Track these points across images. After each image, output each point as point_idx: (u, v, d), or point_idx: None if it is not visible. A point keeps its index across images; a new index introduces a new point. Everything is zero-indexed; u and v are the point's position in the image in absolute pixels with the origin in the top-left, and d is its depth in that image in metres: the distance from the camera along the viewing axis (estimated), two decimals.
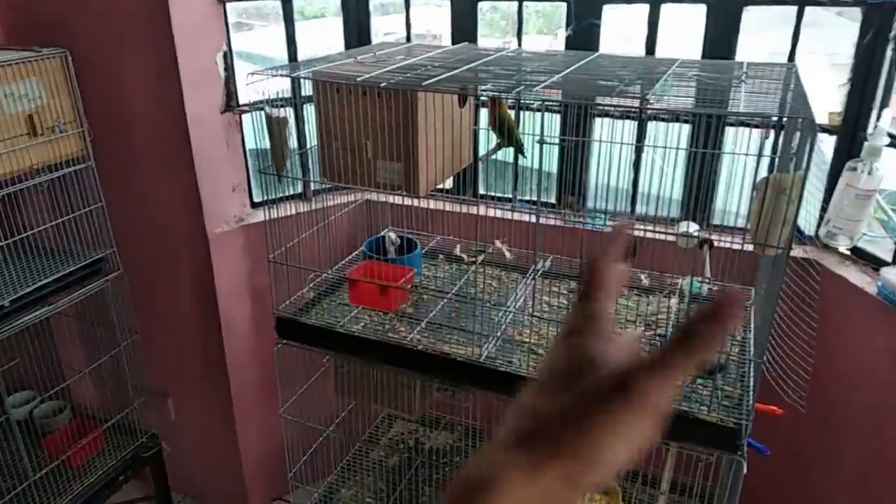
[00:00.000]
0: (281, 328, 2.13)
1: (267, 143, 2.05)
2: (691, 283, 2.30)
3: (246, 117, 2.70)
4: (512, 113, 2.36)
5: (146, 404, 2.75)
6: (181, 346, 2.89)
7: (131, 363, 2.67)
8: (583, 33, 2.53)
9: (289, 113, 2.04)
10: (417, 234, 2.63)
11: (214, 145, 2.59)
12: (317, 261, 2.29)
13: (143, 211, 2.67)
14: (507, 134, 2.31)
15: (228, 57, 2.58)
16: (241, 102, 2.65)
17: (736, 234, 2.47)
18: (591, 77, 1.82)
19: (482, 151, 2.82)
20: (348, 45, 2.88)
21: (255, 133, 2.08)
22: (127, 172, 2.60)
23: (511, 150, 2.37)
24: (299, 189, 2.82)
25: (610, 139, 2.56)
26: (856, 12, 2.24)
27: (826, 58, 2.78)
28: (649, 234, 2.49)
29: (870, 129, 2.28)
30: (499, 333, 2.06)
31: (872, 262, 2.27)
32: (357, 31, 2.87)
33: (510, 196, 2.88)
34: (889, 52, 2.19)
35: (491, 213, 2.78)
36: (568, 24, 2.55)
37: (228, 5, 2.54)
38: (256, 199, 2.84)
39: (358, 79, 1.81)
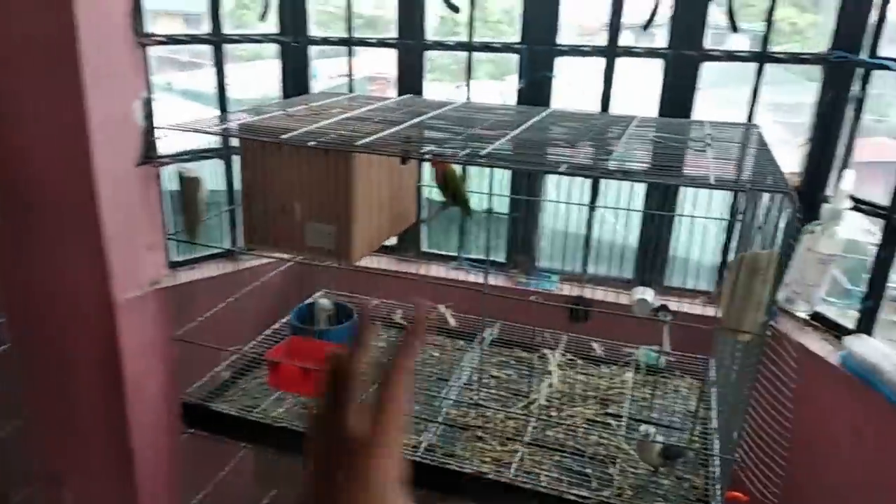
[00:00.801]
0: (189, 415, 1.85)
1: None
2: (647, 354, 2.12)
3: (165, 169, 2.44)
4: (458, 168, 2.17)
5: (37, 493, 2.39)
6: (80, 428, 2.54)
7: (19, 447, 2.32)
8: (535, 85, 2.38)
9: (205, 168, 1.80)
10: (352, 297, 2.39)
11: (127, 201, 2.32)
12: (238, 332, 2.03)
13: (41, 276, 2.36)
14: (453, 194, 2.12)
15: (149, 104, 2.33)
16: (161, 154, 2.40)
17: (692, 298, 2.32)
18: (545, 138, 1.64)
19: (425, 209, 2.63)
20: (286, 90, 2.67)
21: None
22: (21, 232, 2.29)
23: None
24: (227, 245, 2.56)
25: (561, 198, 2.42)
26: (814, 70, 2.15)
27: (781, 115, 2.70)
28: (600, 296, 2.34)
29: (829, 191, 2.17)
30: (440, 417, 1.82)
31: (834, 329, 2.13)
32: (294, 75, 2.66)
33: (455, 254, 2.68)
34: (850, 112, 2.09)
35: (435, 271, 2.59)
36: (520, 76, 2.39)
37: (162, 49, 2.31)
38: (175, 257, 2.57)
39: (283, 136, 1.59)
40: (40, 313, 2.37)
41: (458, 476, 1.62)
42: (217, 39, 2.44)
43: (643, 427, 1.64)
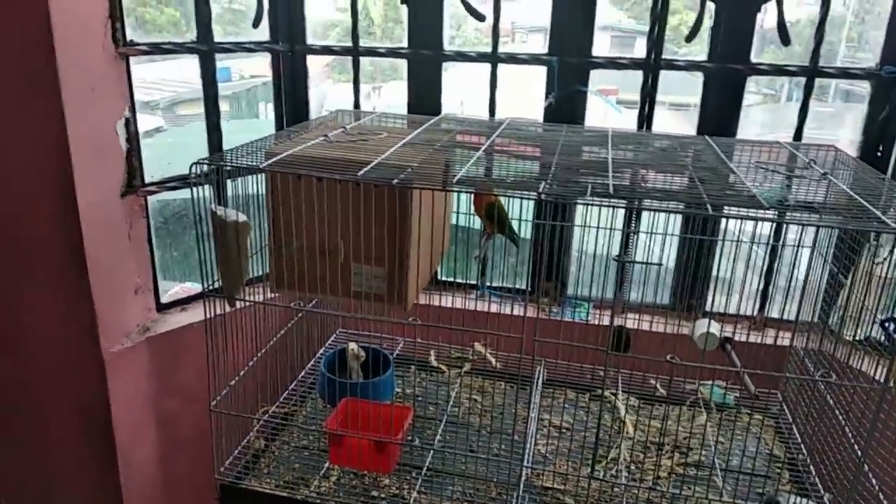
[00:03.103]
0: (227, 500, 1.56)
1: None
2: (712, 390, 1.99)
3: (152, 199, 2.12)
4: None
5: None
6: (66, 501, 2.18)
7: None
8: (566, 101, 2.20)
9: (246, 210, 1.51)
10: (369, 336, 2.13)
11: (113, 239, 1.98)
12: (254, 391, 1.75)
13: (16, 330, 1.99)
14: (499, 222, 1.91)
15: (132, 125, 2.00)
16: (146, 181, 2.07)
17: (734, 323, 2.21)
18: (628, 164, 1.46)
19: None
20: (281, 104, 2.37)
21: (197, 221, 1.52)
22: None
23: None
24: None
25: (590, 220, 2.25)
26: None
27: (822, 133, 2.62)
28: (641, 326, 2.20)
29: None
30: (522, 483, 1.62)
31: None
32: (291, 86, 2.37)
33: (475, 283, 2.47)
34: None
35: (449, 302, 2.37)
36: (549, 91, 2.21)
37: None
38: (164, 298, 2.24)
39: (359, 173, 1.34)
40: (17, 372, 2.01)
41: None
42: (207, 49, 2.13)
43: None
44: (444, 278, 2.47)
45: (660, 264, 1.32)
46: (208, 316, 1.46)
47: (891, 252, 1.37)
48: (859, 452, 1.37)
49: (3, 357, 2.02)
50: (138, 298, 2.11)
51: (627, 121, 2.20)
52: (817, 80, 2.04)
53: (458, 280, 2.47)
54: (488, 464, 1.64)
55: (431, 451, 1.70)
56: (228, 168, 1.44)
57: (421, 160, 1.51)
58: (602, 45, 2.21)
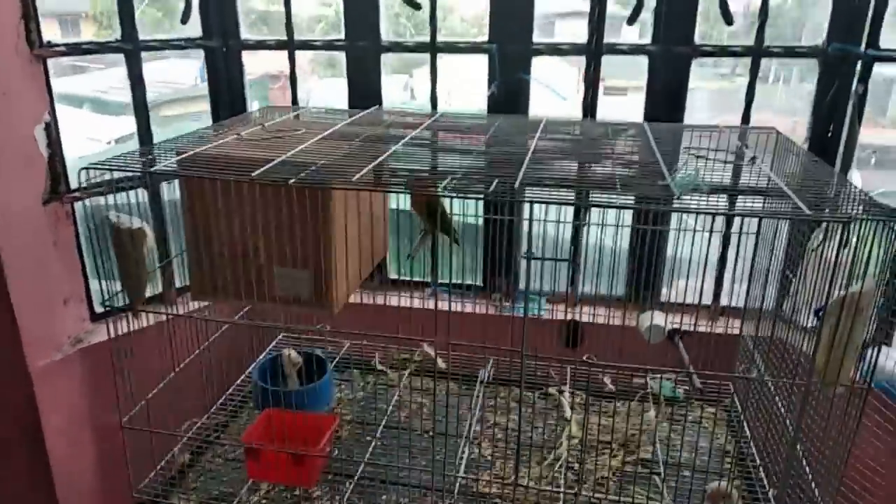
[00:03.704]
0: None
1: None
2: (661, 384, 1.93)
3: (79, 205, 2.03)
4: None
5: None
6: None
7: None
8: (509, 89, 2.13)
9: (147, 217, 1.44)
10: (314, 339, 2.07)
11: (36, 247, 1.90)
12: (189, 397, 1.68)
13: None
14: (438, 222, 1.84)
15: (53, 128, 1.92)
16: (72, 186, 1.99)
17: (692, 314, 2.15)
18: (569, 155, 1.40)
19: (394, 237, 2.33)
20: (215, 101, 2.29)
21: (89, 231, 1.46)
22: None
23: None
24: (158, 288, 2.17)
25: (540, 215, 2.19)
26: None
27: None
28: (595, 319, 2.14)
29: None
30: (455, 488, 1.55)
31: None
32: (227, 83, 2.29)
33: (427, 280, 2.41)
34: (849, 109, 1.97)
35: (407, 302, 2.30)
36: (491, 80, 2.14)
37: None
38: (98, 307, 2.16)
39: (254, 173, 1.27)
40: None
41: None
42: (132, 47, 2.05)
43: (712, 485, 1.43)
44: (396, 276, 2.40)
45: (567, 259, 1.25)
46: (111, 334, 1.39)
47: (824, 238, 1.31)
48: (787, 448, 1.31)
49: None
50: (68, 309, 2.04)
51: (573, 108, 2.13)
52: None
53: (416, 279, 2.41)
54: (421, 471, 1.58)
55: (364, 459, 1.63)
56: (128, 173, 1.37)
57: (336, 156, 1.43)
58: (545, 30, 2.15)
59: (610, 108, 2.23)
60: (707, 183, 1.14)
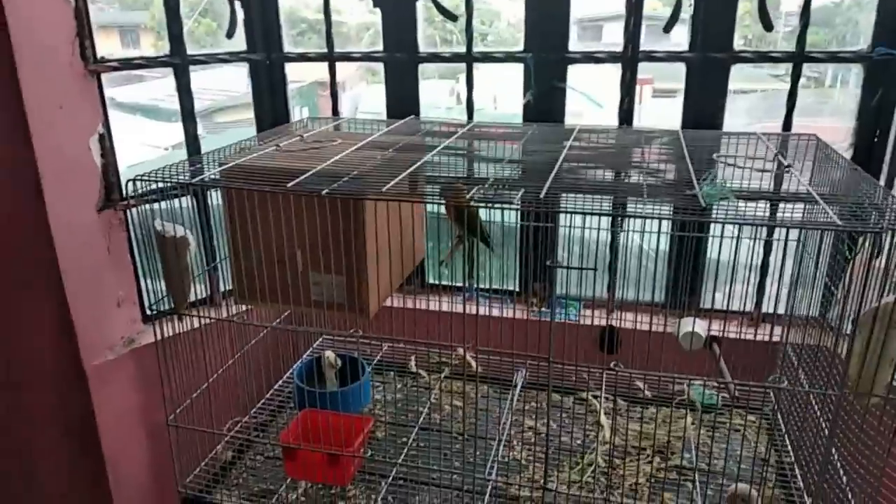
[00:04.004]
0: None
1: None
2: (700, 392, 1.91)
3: (133, 212, 2.13)
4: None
5: None
6: None
7: None
8: (545, 98, 2.15)
9: (195, 223, 1.51)
10: (354, 342, 2.11)
11: (91, 253, 2.01)
12: (233, 397, 1.74)
13: None
14: (471, 225, 1.87)
15: (106, 140, 2.02)
16: (125, 194, 2.09)
17: (730, 321, 2.13)
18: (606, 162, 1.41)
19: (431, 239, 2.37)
20: (260, 113, 2.37)
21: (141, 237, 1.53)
22: None
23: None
24: (205, 292, 2.26)
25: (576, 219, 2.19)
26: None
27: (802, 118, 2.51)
28: (631, 325, 2.13)
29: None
30: (489, 486, 1.58)
31: None
32: (270, 95, 2.37)
33: (463, 285, 2.43)
34: None
35: (443, 306, 2.33)
36: (527, 89, 2.16)
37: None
38: (150, 310, 2.25)
39: (289, 184, 1.32)
40: (1, 389, 2.04)
41: None
42: (180, 62, 2.14)
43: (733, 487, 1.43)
44: (433, 281, 2.44)
45: (594, 269, 1.26)
46: (158, 337, 1.46)
47: (862, 245, 1.29)
48: (822, 457, 1.29)
49: None
50: (121, 311, 2.14)
51: (609, 116, 2.13)
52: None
53: (447, 283, 2.44)
54: (452, 473, 1.61)
55: (398, 461, 1.67)
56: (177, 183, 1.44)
57: (370, 166, 1.48)
58: (593, 34, 2.15)
59: (660, 111, 2.22)
60: (735, 192, 1.14)
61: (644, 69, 2.07)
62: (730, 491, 1.42)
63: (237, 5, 2.24)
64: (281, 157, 1.56)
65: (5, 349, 2.04)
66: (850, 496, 1.31)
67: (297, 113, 3.75)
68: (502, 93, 2.71)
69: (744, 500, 1.36)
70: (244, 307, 1.96)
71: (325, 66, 2.31)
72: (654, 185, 1.32)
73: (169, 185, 1.49)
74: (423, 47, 2.22)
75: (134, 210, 2.12)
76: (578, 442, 1.78)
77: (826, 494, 1.38)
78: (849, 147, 1.99)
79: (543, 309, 2.32)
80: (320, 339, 2.27)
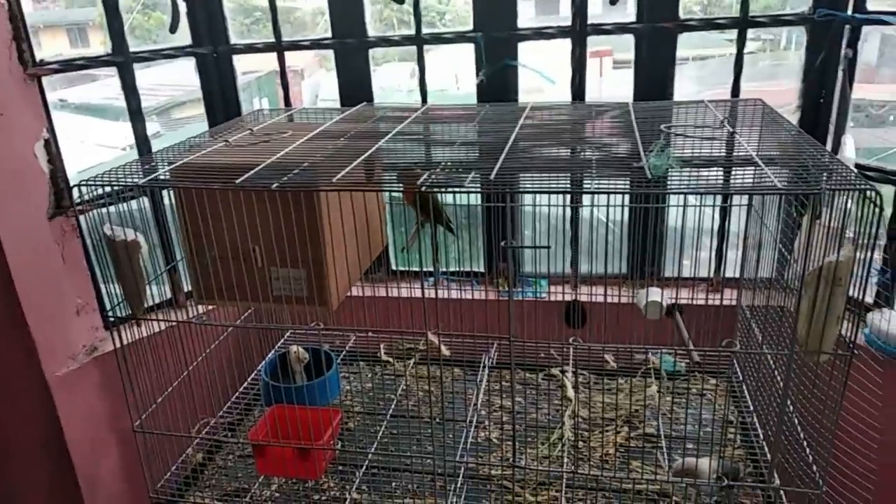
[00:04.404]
0: None
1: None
2: (662, 359, 1.94)
3: (86, 217, 2.08)
4: None
5: None
6: None
7: None
8: (498, 77, 2.14)
9: (150, 225, 1.48)
10: (322, 332, 2.11)
11: (45, 261, 1.96)
12: (202, 397, 1.73)
13: None
14: (432, 211, 1.87)
15: (52, 144, 1.96)
16: (75, 199, 2.04)
17: (692, 287, 2.16)
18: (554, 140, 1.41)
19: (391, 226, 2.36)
20: (211, 108, 2.33)
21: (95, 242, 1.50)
22: None
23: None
24: (167, 294, 2.23)
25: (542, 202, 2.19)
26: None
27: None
28: (600, 299, 2.15)
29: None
30: (460, 472, 1.59)
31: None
32: (220, 89, 2.32)
33: (430, 270, 2.44)
34: (839, 75, 1.95)
35: (407, 292, 2.33)
36: (479, 69, 2.15)
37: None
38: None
39: (237, 180, 1.30)
40: None
41: None
42: (123, 59, 2.08)
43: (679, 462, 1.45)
44: (398, 268, 2.44)
45: (547, 247, 1.27)
46: (117, 344, 1.44)
47: (804, 207, 1.32)
48: (778, 413, 1.33)
49: None
50: (81, 319, 2.10)
51: (562, 92, 2.13)
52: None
53: (415, 269, 2.44)
54: (425, 458, 1.62)
55: (371, 450, 1.67)
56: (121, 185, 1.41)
57: (323, 156, 1.46)
58: (527, 13, 2.15)
59: (620, 82, 2.21)
60: (683, 161, 1.15)
61: (602, 42, 2.08)
62: (675, 466, 1.44)
63: None
64: (231, 152, 1.54)
65: None
66: (807, 450, 1.34)
67: (257, 104, 3.70)
68: (462, 73, 2.69)
69: (690, 473, 1.39)
70: (207, 307, 1.93)
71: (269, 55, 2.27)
72: (604, 159, 1.33)
73: (118, 187, 1.47)
74: (378, 30, 2.20)
75: (86, 216, 2.08)
76: (548, 418, 1.80)
77: (784, 448, 1.42)
78: (796, 109, 2.03)
79: (507, 289, 2.34)
80: (287, 335, 2.26)
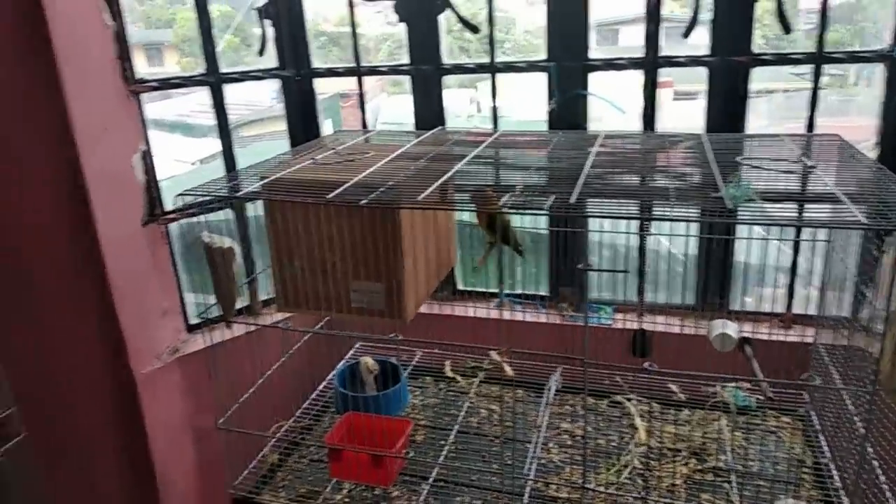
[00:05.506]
0: None
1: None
2: (737, 395, 1.93)
3: (174, 225, 2.22)
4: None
5: None
6: None
7: None
8: (568, 105, 2.19)
9: (234, 235, 1.58)
10: (389, 347, 2.17)
11: (136, 265, 2.09)
12: (277, 402, 1.81)
13: (50, 356, 2.12)
14: (503, 232, 1.92)
15: (148, 157, 2.10)
16: (167, 209, 2.17)
17: (763, 322, 2.15)
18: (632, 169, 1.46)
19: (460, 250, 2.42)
20: (292, 127, 2.45)
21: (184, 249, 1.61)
22: (23, 312, 2.05)
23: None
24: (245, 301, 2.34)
25: (605, 224, 2.23)
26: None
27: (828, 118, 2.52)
28: (663, 328, 2.16)
29: None
30: (526, 493, 1.62)
31: None
32: (301, 109, 2.45)
33: (495, 291, 2.49)
34: None
35: (472, 312, 2.38)
36: (550, 96, 2.20)
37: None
38: (193, 320, 2.34)
39: (329, 195, 1.39)
40: (54, 398, 2.13)
41: None
42: (215, 80, 2.22)
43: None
44: (464, 288, 2.49)
45: (626, 271, 1.30)
46: (206, 343, 1.53)
47: (883, 243, 1.32)
48: (859, 455, 1.32)
49: (43, 387, 2.14)
50: (167, 321, 2.22)
51: (631, 121, 2.17)
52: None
53: (480, 289, 2.49)
54: (492, 475, 1.65)
55: (438, 462, 1.72)
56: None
57: (404, 176, 1.54)
58: (608, 38, 2.20)
59: (680, 113, 2.24)
60: (760, 193, 1.18)
61: (664, 73, 2.12)
62: None
63: (266, 24, 2.32)
64: (318, 169, 1.63)
65: (61, 362, 2.12)
66: (887, 494, 1.33)
67: (323, 125, 3.83)
68: (523, 99, 2.76)
69: None
70: (284, 315, 2.02)
71: (346, 79, 2.38)
72: (680, 188, 1.36)
73: (209, 198, 1.56)
74: (444, 58, 2.28)
75: (176, 223, 2.21)
76: (614, 444, 1.82)
77: (864, 493, 1.40)
78: (874, 146, 2.01)
79: (575, 313, 2.36)
80: (357, 345, 2.34)
